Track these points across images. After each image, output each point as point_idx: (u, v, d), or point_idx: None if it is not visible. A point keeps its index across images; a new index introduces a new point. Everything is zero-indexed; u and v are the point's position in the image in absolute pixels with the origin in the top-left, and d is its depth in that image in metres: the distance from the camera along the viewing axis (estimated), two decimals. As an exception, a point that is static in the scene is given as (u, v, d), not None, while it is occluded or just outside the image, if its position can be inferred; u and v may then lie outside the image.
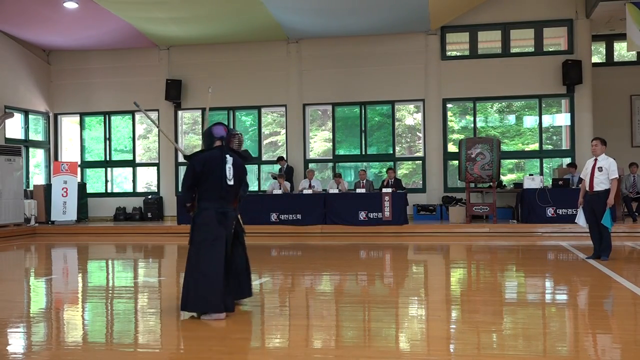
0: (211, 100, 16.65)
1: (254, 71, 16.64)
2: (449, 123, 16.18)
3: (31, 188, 16.49)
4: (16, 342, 4.79)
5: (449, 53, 16.04)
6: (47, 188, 15.92)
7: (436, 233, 13.31)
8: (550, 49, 15.75)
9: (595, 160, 8.48)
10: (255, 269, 8.08)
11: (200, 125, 17.11)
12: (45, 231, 14.83)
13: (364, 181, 14.28)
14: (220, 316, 5.10)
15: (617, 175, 8.37)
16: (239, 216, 6.04)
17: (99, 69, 17.54)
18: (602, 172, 8.32)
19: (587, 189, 8.50)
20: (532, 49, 15.69)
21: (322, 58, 16.37)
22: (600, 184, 8.34)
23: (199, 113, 17.27)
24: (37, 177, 17.68)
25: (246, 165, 6.25)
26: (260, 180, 17.03)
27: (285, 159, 15.90)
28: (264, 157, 17.05)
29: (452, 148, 15.89)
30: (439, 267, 9.14)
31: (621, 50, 16.93)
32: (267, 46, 16.52)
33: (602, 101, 15.99)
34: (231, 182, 5.25)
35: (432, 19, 14.93)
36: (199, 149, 6.18)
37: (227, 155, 5.31)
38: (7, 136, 16.02)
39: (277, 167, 15.93)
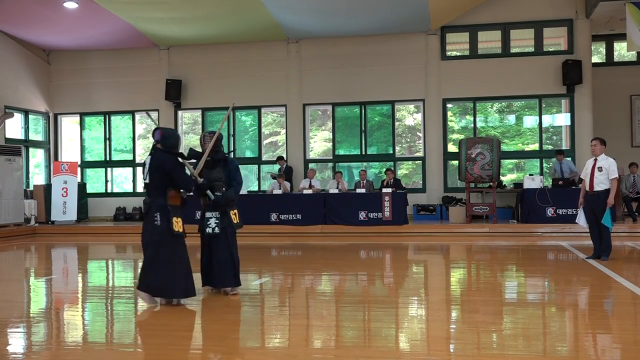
0: (211, 100, 16.85)
1: (254, 71, 16.64)
2: (449, 123, 16.18)
3: (31, 188, 16.49)
4: (16, 342, 4.79)
5: (449, 53, 16.04)
6: (47, 188, 15.92)
7: (436, 233, 13.31)
8: (550, 49, 15.74)
9: (595, 160, 8.49)
10: (256, 269, 8.09)
11: (201, 126, 17.13)
12: (45, 231, 14.83)
13: (364, 181, 14.29)
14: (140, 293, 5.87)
15: (617, 175, 8.38)
16: (234, 212, 6.13)
17: (99, 69, 17.54)
18: (602, 172, 8.33)
19: (587, 189, 8.51)
20: (532, 49, 15.69)
21: (322, 58, 16.37)
22: (600, 184, 8.35)
23: (199, 113, 17.28)
24: (37, 177, 17.69)
25: (243, 165, 6.39)
26: (260, 180, 17.03)
27: (284, 158, 15.90)
28: (264, 157, 17.05)
29: (452, 148, 15.88)
30: (439, 267, 9.14)
31: (621, 50, 16.93)
32: (267, 46, 16.52)
33: (602, 101, 15.99)
34: (146, 180, 5.90)
35: (432, 19, 14.93)
36: (198, 149, 6.42)
37: (148, 157, 5.90)
38: (7, 136, 16.02)
39: (277, 167, 15.94)
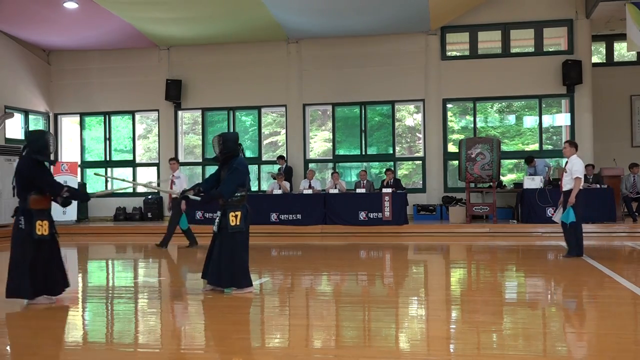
0: (211, 100, 16.84)
1: (254, 71, 16.63)
2: (449, 123, 16.18)
3: (31, 188, 16.45)
4: (16, 342, 4.79)
5: (449, 53, 16.04)
6: (47, 188, 15.89)
7: (436, 233, 13.31)
8: (550, 49, 15.74)
9: (567, 162, 8.83)
10: (256, 269, 8.09)
11: (201, 126, 17.11)
12: (45, 231, 14.78)
13: (364, 181, 14.29)
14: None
15: (580, 175, 8.64)
16: (234, 214, 6.13)
17: (99, 69, 17.54)
18: (568, 172, 8.65)
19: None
20: (532, 49, 15.68)
21: (322, 58, 16.37)
22: (566, 184, 8.74)
23: (199, 113, 17.27)
24: (37, 177, 17.64)
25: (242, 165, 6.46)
26: (260, 180, 17.03)
27: (285, 158, 15.89)
28: (264, 157, 17.06)
29: (452, 148, 15.88)
30: (439, 267, 9.14)
31: (621, 50, 16.93)
32: (267, 46, 16.52)
33: (602, 101, 16.00)
34: (13, 184, 5.98)
35: (432, 19, 14.93)
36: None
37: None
38: (7, 136, 16.02)
39: (277, 166, 15.93)
